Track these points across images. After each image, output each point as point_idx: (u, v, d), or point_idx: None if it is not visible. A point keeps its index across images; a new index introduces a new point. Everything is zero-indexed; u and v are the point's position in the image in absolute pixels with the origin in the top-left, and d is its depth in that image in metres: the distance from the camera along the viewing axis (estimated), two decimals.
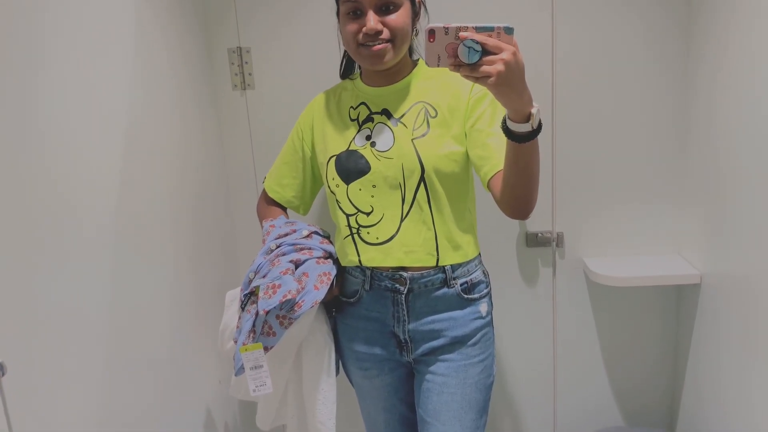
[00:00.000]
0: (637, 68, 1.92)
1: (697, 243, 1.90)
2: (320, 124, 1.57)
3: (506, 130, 1.16)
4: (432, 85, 1.47)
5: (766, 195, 1.44)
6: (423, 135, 1.43)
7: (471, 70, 1.05)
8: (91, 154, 1.27)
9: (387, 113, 1.48)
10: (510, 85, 1.06)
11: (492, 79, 1.04)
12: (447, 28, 1.05)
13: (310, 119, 1.60)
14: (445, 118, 1.43)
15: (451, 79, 1.43)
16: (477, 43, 1.03)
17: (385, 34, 1.37)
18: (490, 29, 1.04)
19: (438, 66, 1.08)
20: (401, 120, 1.46)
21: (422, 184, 1.43)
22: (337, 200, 1.51)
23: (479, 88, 1.41)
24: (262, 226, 1.63)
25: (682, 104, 1.92)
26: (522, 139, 1.15)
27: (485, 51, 1.04)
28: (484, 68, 1.04)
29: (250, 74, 2.01)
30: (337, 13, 1.46)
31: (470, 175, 1.52)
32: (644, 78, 1.92)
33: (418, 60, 1.53)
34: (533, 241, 2.06)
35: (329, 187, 1.52)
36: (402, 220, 1.45)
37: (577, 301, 2.10)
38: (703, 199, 1.83)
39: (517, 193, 1.28)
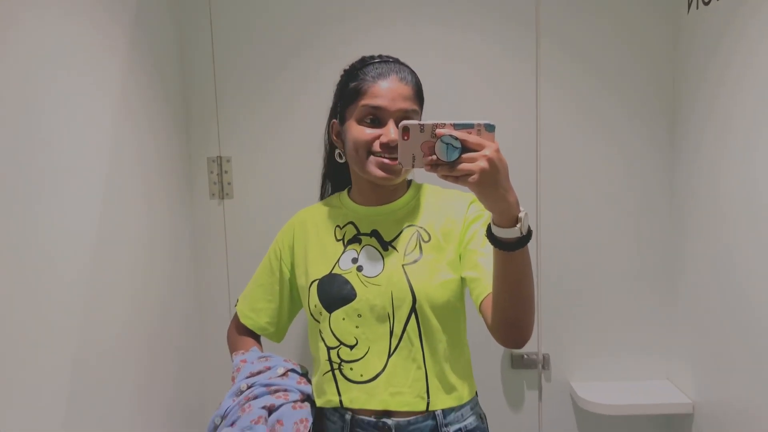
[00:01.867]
0: (624, 202, 1.93)
1: (687, 369, 1.86)
2: (302, 244, 1.42)
3: (492, 237, 1.05)
4: (426, 207, 1.37)
5: (757, 315, 1.41)
6: (415, 261, 1.31)
7: (450, 168, 0.97)
8: (51, 269, 1.17)
9: (377, 235, 1.36)
10: (494, 184, 0.97)
11: (474, 176, 0.96)
12: (422, 125, 0.99)
13: (290, 238, 1.45)
14: (439, 242, 1.32)
15: (446, 202, 1.37)
16: (456, 139, 0.96)
17: None
18: (470, 126, 0.98)
19: (413, 167, 1.01)
20: (392, 244, 1.34)
21: (413, 316, 1.29)
22: (319, 330, 1.35)
23: (475, 210, 1.33)
24: (232, 359, 1.46)
25: (671, 226, 1.93)
26: (510, 246, 1.03)
27: (465, 148, 0.97)
28: (465, 165, 0.96)
29: (229, 183, 1.94)
30: (338, 117, 1.36)
31: (465, 305, 1.39)
32: (631, 203, 1.93)
33: (411, 181, 1.44)
34: (519, 362, 1.99)
35: (311, 314, 1.36)
36: (390, 356, 1.29)
37: (565, 429, 2.01)
38: (693, 324, 1.80)
39: (509, 316, 1.14)
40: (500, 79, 1.90)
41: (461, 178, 0.98)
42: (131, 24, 1.54)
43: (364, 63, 1.33)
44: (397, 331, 1.29)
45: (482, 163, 0.95)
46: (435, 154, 0.98)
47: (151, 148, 1.66)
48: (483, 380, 1.94)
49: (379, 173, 1.27)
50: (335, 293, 1.32)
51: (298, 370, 1.43)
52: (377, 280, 1.30)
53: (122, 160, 1.47)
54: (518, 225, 1.01)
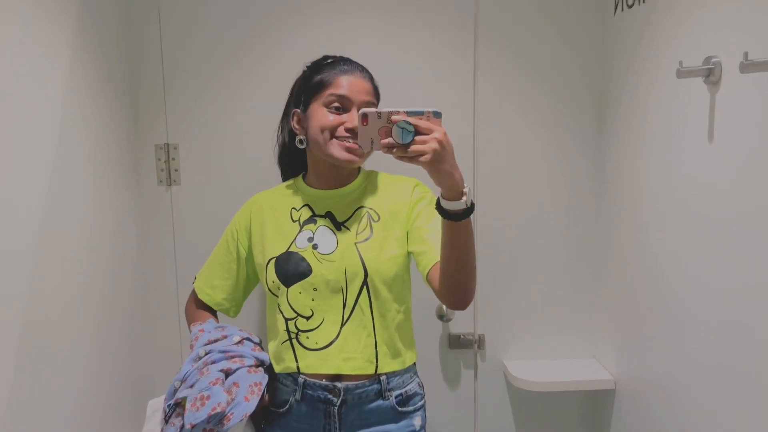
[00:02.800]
0: (556, 188, 2.04)
1: (610, 348, 1.98)
2: (258, 225, 1.54)
3: (441, 210, 1.20)
4: (375, 191, 1.53)
5: (675, 298, 1.53)
6: (366, 239, 1.45)
7: (404, 150, 1.12)
8: None
9: (331, 216, 1.50)
10: (443, 162, 1.12)
11: (427, 156, 1.10)
12: (380, 112, 1.14)
13: (246, 220, 1.58)
14: (387, 221, 1.47)
15: (393, 185, 1.53)
16: (409, 124, 1.11)
17: None
18: (420, 113, 1.13)
19: (371, 149, 1.17)
20: (345, 224, 1.48)
21: (365, 288, 1.44)
22: (277, 303, 1.48)
23: (419, 192, 1.50)
24: (190, 330, 1.56)
25: (598, 211, 2.04)
26: (457, 217, 1.19)
27: (417, 132, 1.11)
28: (417, 147, 1.11)
29: (176, 170, 1.98)
30: (301, 106, 1.50)
31: (410, 278, 1.54)
32: (562, 190, 2.04)
33: (360, 168, 1.58)
34: (456, 342, 2.09)
35: (269, 289, 1.49)
36: (342, 325, 1.44)
37: (498, 405, 2.12)
38: (617, 306, 1.92)
39: (456, 280, 1.30)
40: (441, 69, 1.98)
41: (415, 158, 1.12)
42: (77, 9, 1.56)
43: (327, 59, 1.51)
44: (350, 302, 1.44)
45: (433, 144, 1.10)
46: (391, 137, 1.12)
47: (98, 135, 1.68)
48: (423, 360, 2.02)
49: (344, 155, 1.41)
50: (292, 269, 1.45)
51: (253, 338, 1.53)
52: (331, 257, 1.44)
53: (68, 145, 1.49)
54: (464, 198, 1.17)
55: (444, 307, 1.97)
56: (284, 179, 1.65)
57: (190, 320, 1.62)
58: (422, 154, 1.11)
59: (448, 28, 1.97)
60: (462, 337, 2.08)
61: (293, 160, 1.62)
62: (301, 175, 1.59)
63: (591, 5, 1.96)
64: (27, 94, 1.33)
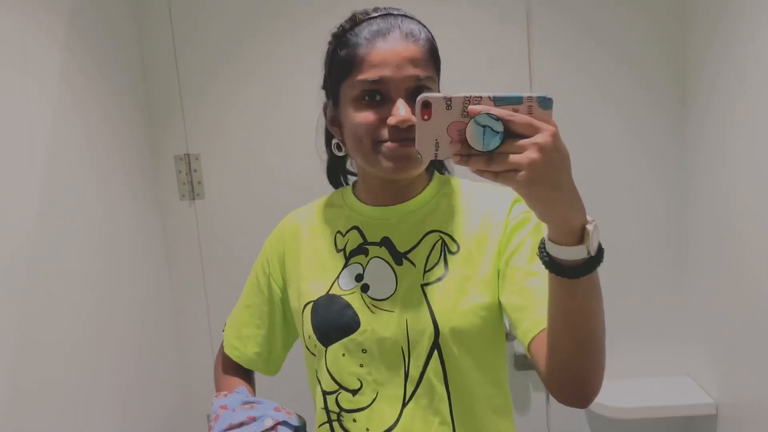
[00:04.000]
0: (632, 171, 1.76)
1: (708, 363, 1.71)
2: (293, 255, 1.11)
3: (547, 259, 0.76)
4: (453, 207, 1.05)
5: None
6: (438, 279, 0.99)
7: (487, 160, 0.69)
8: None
9: (388, 244, 1.04)
10: (550, 183, 0.69)
11: (522, 173, 0.67)
12: (450, 99, 0.71)
13: (280, 247, 1.14)
14: (470, 254, 1.00)
15: (481, 199, 1.05)
16: (497, 120, 0.69)
17: None
18: (517, 100, 0.70)
19: (435, 157, 0.73)
20: (408, 256, 1.02)
21: (435, 353, 0.98)
22: (315, 369, 1.06)
23: (520, 211, 1.00)
24: (213, 400, 1.15)
25: (684, 206, 1.79)
26: (572, 271, 0.75)
27: (509, 132, 0.69)
28: (511, 158, 0.68)
29: (199, 183, 1.80)
30: (331, 98, 1.04)
31: (504, 335, 1.07)
32: (643, 193, 1.78)
33: (434, 171, 1.11)
34: (522, 363, 1.84)
35: (306, 347, 1.07)
36: (404, 405, 0.99)
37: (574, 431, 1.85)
38: (713, 309, 1.67)
39: (570, 365, 0.83)
40: (491, 47, 1.74)
41: (503, 175, 0.69)
42: (83, 17, 1.45)
43: (355, 21, 0.99)
44: (415, 373, 0.99)
45: (533, 154, 0.67)
46: (467, 139, 0.70)
47: (108, 147, 1.54)
48: None
49: (389, 165, 0.95)
50: (332, 321, 1.02)
51: (293, 421, 1.08)
52: (388, 304, 1.00)
53: (67, 161, 1.36)
54: (585, 242, 0.73)
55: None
56: (334, 184, 1.21)
57: (217, 385, 1.21)
58: (516, 169, 0.68)
59: (498, 1, 1.73)
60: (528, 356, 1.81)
61: (338, 172, 1.18)
62: (351, 184, 1.15)
63: None
64: (29, 104, 1.25)
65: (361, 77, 0.93)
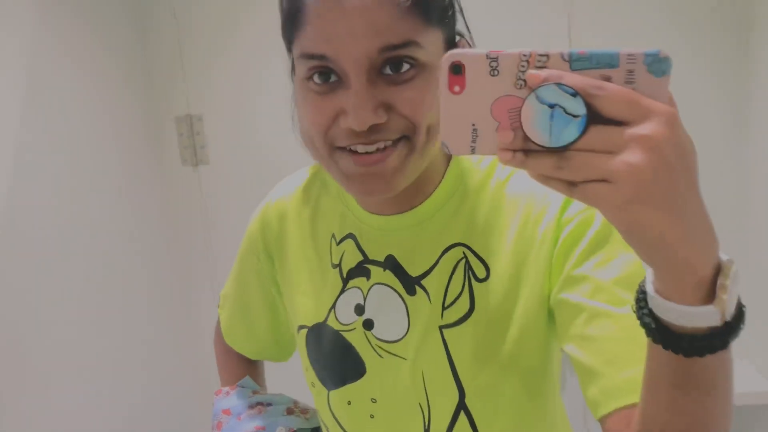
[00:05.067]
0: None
1: None
2: (281, 251, 0.85)
3: (649, 321, 0.48)
4: (479, 205, 0.74)
5: None
6: (462, 320, 0.72)
7: (558, 162, 0.42)
8: None
9: (395, 267, 0.75)
10: (664, 204, 0.42)
11: (618, 187, 0.41)
12: (496, 57, 0.42)
13: (265, 238, 0.86)
14: (505, 279, 0.70)
15: (519, 187, 0.72)
16: (575, 94, 0.41)
17: (395, 124, 0.62)
18: (609, 60, 0.42)
19: (472, 152, 0.45)
20: (422, 282, 0.74)
21: (463, 413, 0.74)
22: (318, 404, 0.86)
23: (577, 208, 0.68)
24: (214, 400, 0.97)
25: (736, 159, 1.62)
26: (693, 346, 0.46)
27: (596, 116, 0.41)
28: (599, 160, 0.41)
29: (202, 147, 1.67)
30: (289, 55, 0.71)
31: (560, 367, 0.81)
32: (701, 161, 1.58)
33: (451, 158, 0.75)
34: None
35: (306, 376, 0.85)
36: None
37: None
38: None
39: None
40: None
41: (583, 187, 0.42)
42: None
43: None
44: (439, 430, 0.76)
45: (635, 156, 0.40)
46: (523, 126, 0.42)
47: (103, 108, 1.47)
48: None
49: (357, 188, 0.65)
50: (331, 361, 0.80)
51: (308, 425, 0.93)
52: (400, 348, 0.75)
53: (57, 122, 1.29)
54: (717, 301, 0.44)
55: None
56: None
57: (219, 368, 1.01)
58: (606, 178, 0.41)
59: None
60: None
61: None
62: None
63: None
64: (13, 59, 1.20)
65: (302, 45, 0.62)
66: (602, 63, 0.42)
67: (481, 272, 0.71)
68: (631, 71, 0.42)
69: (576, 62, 0.42)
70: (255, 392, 0.94)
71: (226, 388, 0.95)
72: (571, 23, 1.56)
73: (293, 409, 0.91)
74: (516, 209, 0.70)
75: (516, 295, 0.69)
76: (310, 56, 0.60)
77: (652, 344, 0.49)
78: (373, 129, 0.60)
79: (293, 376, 0.95)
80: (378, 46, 0.58)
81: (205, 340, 1.67)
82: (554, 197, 0.68)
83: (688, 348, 0.46)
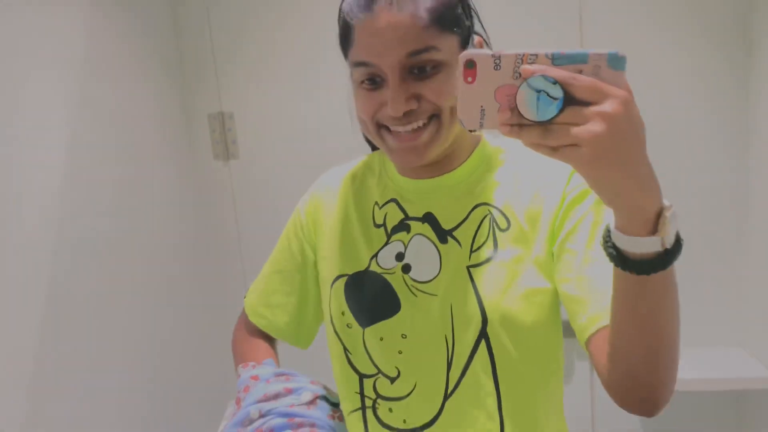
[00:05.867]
0: (689, 127, 1.66)
1: (765, 333, 1.63)
2: (328, 221, 1.00)
3: (613, 251, 0.65)
4: (503, 178, 0.93)
5: None
6: (487, 260, 0.89)
7: (544, 133, 0.59)
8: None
9: (432, 221, 0.93)
10: (619, 161, 0.58)
11: (585, 149, 0.57)
12: (498, 57, 0.59)
13: (314, 210, 1.03)
14: (523, 231, 0.89)
15: (534, 168, 0.91)
16: (555, 83, 0.57)
17: (424, 108, 0.83)
18: (581, 59, 0.58)
19: (481, 127, 0.62)
20: (453, 233, 0.91)
21: (483, 342, 0.88)
22: (345, 349, 0.96)
23: (579, 183, 0.87)
24: (237, 373, 1.07)
25: (742, 156, 1.68)
26: (644, 267, 0.64)
27: (570, 98, 0.57)
28: (573, 130, 0.57)
29: (233, 142, 1.75)
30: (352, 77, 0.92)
31: (561, 322, 0.96)
32: (702, 154, 1.68)
33: (479, 142, 0.97)
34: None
35: (333, 325, 0.97)
36: (446, 398, 0.89)
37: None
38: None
39: (636, 369, 0.73)
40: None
41: (562, 150, 0.59)
42: None
43: None
44: (459, 362, 0.88)
45: (598, 126, 0.56)
46: (518, 107, 0.59)
47: (139, 105, 1.51)
48: None
49: (398, 158, 0.86)
50: (370, 300, 0.93)
51: (332, 398, 1.03)
52: (431, 287, 0.90)
53: (96, 121, 1.33)
54: (660, 232, 0.62)
55: None
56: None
57: (239, 355, 1.12)
58: (577, 143, 0.57)
59: None
60: None
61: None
62: None
63: None
64: (57, 63, 1.22)
65: (353, 55, 0.83)
66: (576, 60, 0.58)
67: (503, 223, 0.89)
68: (597, 66, 0.58)
69: (557, 60, 0.58)
70: (279, 370, 1.03)
71: (252, 363, 1.05)
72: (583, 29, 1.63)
73: (316, 382, 1.01)
74: (532, 180, 0.90)
75: (531, 241, 0.87)
76: (360, 64, 0.82)
77: (615, 270, 0.67)
78: (408, 114, 0.81)
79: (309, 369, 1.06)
80: (405, 53, 0.79)
81: (232, 327, 1.77)
82: (561, 174, 0.88)
83: (640, 268, 0.64)
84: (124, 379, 1.37)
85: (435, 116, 0.83)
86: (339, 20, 0.87)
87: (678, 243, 0.64)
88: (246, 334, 1.11)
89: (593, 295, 0.80)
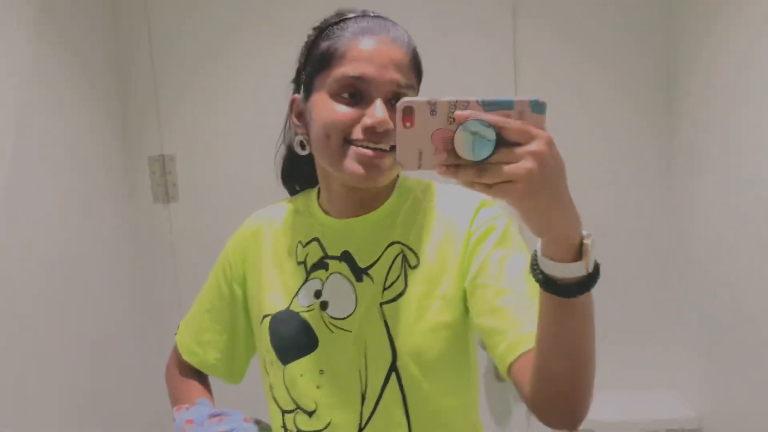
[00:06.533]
0: (618, 180, 1.75)
1: (693, 377, 1.69)
2: (254, 261, 1.04)
3: (541, 276, 0.71)
4: (416, 216, 0.97)
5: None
6: (397, 297, 0.93)
7: (478, 172, 0.63)
8: None
9: (349, 259, 0.97)
10: (548, 194, 0.63)
11: (518, 185, 0.61)
12: (434, 103, 0.64)
13: (242, 250, 1.06)
14: (432, 268, 0.94)
15: (445, 206, 0.97)
16: (488, 126, 0.63)
17: (391, 136, 0.87)
18: (508, 105, 0.64)
19: (419, 168, 0.66)
20: (368, 271, 0.96)
21: (394, 376, 0.92)
22: (270, 385, 1.01)
23: (484, 218, 0.93)
24: (173, 416, 1.06)
25: (672, 215, 1.77)
26: (569, 290, 0.70)
27: (501, 140, 0.63)
28: (505, 168, 0.61)
29: (174, 184, 1.75)
30: (302, 91, 0.97)
31: (474, 354, 1.01)
32: (631, 203, 1.77)
33: (398, 177, 1.02)
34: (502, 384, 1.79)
35: (263, 360, 1.02)
36: (361, 430, 0.94)
37: None
38: (698, 323, 1.64)
39: (561, 388, 0.78)
40: (474, 58, 1.73)
41: (497, 187, 0.63)
42: (56, 7, 1.43)
43: (342, 17, 0.94)
44: (372, 396, 0.93)
45: (529, 163, 0.61)
46: (454, 148, 0.64)
47: (81, 145, 1.52)
48: None
49: (358, 170, 0.87)
50: (291, 339, 0.97)
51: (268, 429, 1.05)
52: (347, 323, 0.94)
53: (34, 157, 1.34)
54: (583, 258, 0.68)
55: None
56: (291, 193, 1.14)
57: (173, 395, 1.13)
58: (509, 180, 0.62)
59: (483, 14, 1.72)
60: None
61: (300, 173, 1.09)
62: (316, 190, 1.06)
63: None
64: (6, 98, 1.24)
65: (342, 71, 0.87)
66: (504, 106, 0.64)
67: (413, 261, 0.95)
68: (522, 111, 0.64)
69: (487, 106, 0.64)
70: (213, 410, 1.05)
71: (186, 405, 1.06)
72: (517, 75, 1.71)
73: (248, 419, 1.02)
74: (442, 220, 0.95)
75: (440, 278, 0.93)
76: (351, 77, 0.86)
77: (543, 295, 0.72)
78: (380, 134, 0.86)
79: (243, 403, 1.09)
80: (398, 82, 0.87)
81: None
82: (468, 211, 0.94)
83: (566, 292, 0.69)
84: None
85: (394, 147, 0.82)
86: (314, 47, 0.93)
87: (597, 269, 0.70)
88: (178, 373, 1.13)
89: (510, 324, 0.84)
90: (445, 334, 0.92)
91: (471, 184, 0.63)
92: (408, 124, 0.65)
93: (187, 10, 1.72)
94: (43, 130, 1.35)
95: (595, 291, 0.83)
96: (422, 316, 0.92)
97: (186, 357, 1.11)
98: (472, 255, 0.91)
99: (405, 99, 0.64)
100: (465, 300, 0.92)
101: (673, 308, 1.76)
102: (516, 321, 0.84)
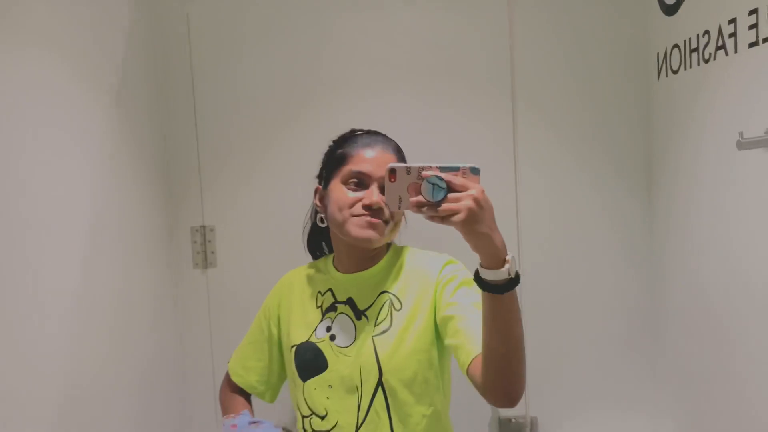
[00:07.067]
0: (601, 244, 1.95)
1: (674, 426, 1.83)
2: (287, 306, 1.46)
3: (479, 281, 1.04)
4: (402, 272, 1.39)
5: (744, 369, 1.40)
6: (384, 331, 1.33)
7: (435, 208, 0.99)
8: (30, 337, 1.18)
9: (351, 304, 1.39)
10: (480, 224, 0.97)
11: (461, 215, 0.96)
12: (409, 167, 1.02)
13: (277, 298, 1.50)
14: (410, 309, 1.33)
15: (421, 265, 1.38)
16: (442, 179, 0.99)
17: (385, 213, 1.31)
18: (455, 169, 1.01)
19: (399, 209, 1.04)
20: (365, 312, 1.37)
21: (380, 389, 1.32)
22: (295, 396, 1.41)
23: (449, 272, 1.33)
24: (223, 421, 1.45)
25: (649, 270, 1.94)
26: (499, 289, 1.02)
27: (450, 189, 0.99)
28: (449, 205, 0.97)
29: (212, 252, 1.94)
30: (323, 182, 1.42)
31: (445, 373, 1.39)
32: (612, 259, 1.95)
33: (390, 245, 1.45)
34: (506, 427, 1.96)
35: (291, 379, 1.42)
36: (357, 429, 1.33)
37: None
38: (677, 376, 1.78)
39: (501, 368, 1.09)
40: (478, 134, 1.94)
41: (446, 218, 0.98)
42: (114, 88, 1.57)
43: (353, 133, 1.42)
44: (365, 404, 1.32)
45: (467, 203, 0.96)
46: (422, 194, 1.00)
47: (133, 217, 1.66)
48: None
49: (359, 232, 1.29)
50: (309, 362, 1.37)
51: None
52: (348, 350, 1.34)
53: (103, 227, 1.48)
54: (506, 266, 1.01)
55: None
56: (314, 258, 1.56)
57: (224, 406, 1.52)
58: (455, 213, 0.97)
59: (484, 103, 1.94)
60: (513, 421, 1.96)
61: (320, 242, 1.55)
62: (332, 255, 1.48)
63: (631, 72, 1.92)
64: (63, 171, 1.34)
65: (351, 167, 1.32)
66: (453, 169, 1.01)
67: (397, 305, 1.35)
68: (465, 172, 1.01)
69: (443, 169, 1.01)
70: (252, 418, 1.43)
71: (233, 414, 1.45)
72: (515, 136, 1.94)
73: (279, 425, 1.40)
74: (418, 273, 1.36)
75: (416, 316, 1.32)
76: (357, 172, 1.32)
77: (483, 295, 1.05)
78: (377, 210, 1.30)
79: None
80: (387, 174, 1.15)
81: (201, 428, 1.88)
82: (437, 267, 1.35)
83: (497, 289, 1.02)
84: None
85: (387, 222, 1.32)
86: (332, 153, 1.41)
87: (517, 276, 1.03)
88: (228, 390, 1.55)
89: (468, 340, 1.20)
90: (418, 357, 1.31)
91: (432, 217, 1.00)
92: (392, 180, 1.03)
93: (231, 99, 1.92)
94: (107, 206, 1.50)
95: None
96: (401, 345, 1.31)
97: (234, 378, 1.52)
98: (440, 295, 1.31)
99: (390, 164, 1.03)
100: (436, 330, 1.32)
101: (655, 369, 1.91)
102: (470, 338, 1.19)
